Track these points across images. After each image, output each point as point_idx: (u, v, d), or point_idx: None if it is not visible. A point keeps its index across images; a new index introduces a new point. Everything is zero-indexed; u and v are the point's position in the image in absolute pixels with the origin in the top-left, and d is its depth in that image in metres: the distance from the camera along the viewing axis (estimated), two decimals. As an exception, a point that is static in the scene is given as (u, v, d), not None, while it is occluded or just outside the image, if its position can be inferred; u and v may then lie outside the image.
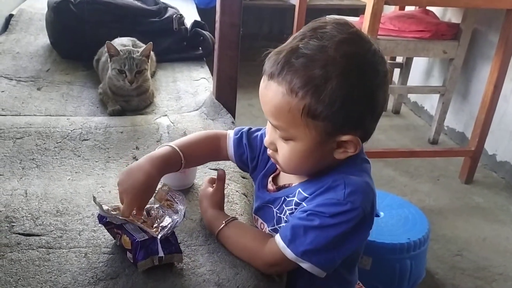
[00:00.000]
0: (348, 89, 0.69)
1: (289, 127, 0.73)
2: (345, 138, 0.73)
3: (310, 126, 0.72)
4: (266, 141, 0.81)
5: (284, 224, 0.83)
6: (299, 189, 0.81)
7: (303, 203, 0.78)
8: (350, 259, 0.82)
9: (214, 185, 0.93)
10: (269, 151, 0.82)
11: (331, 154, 0.76)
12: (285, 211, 0.83)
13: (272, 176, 0.91)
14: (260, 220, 0.92)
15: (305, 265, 0.76)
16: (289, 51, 0.71)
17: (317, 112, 0.70)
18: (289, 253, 0.76)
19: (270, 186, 0.90)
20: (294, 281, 0.86)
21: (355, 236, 0.76)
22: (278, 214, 0.86)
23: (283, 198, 0.85)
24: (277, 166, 0.84)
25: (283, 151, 0.78)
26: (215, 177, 0.94)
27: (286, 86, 0.70)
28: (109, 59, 1.44)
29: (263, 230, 0.90)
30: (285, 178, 0.89)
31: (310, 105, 0.70)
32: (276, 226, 0.86)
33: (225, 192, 0.96)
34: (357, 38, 0.73)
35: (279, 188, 0.88)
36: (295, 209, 0.80)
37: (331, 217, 0.73)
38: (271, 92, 0.72)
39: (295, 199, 0.81)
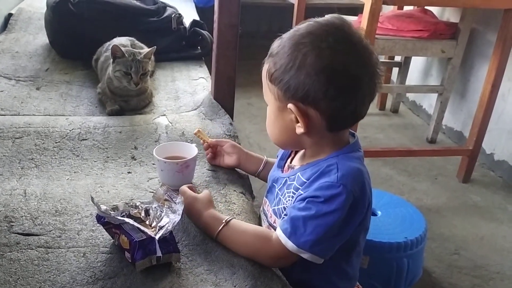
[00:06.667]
0: (296, 60, 0.76)
1: (265, 91, 0.85)
2: (290, 106, 0.79)
3: (271, 90, 0.82)
4: None
5: (282, 207, 0.87)
6: (299, 173, 0.85)
7: (300, 189, 0.82)
8: (346, 247, 0.85)
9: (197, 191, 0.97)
10: None
11: (294, 127, 0.82)
12: (285, 193, 0.87)
13: (290, 158, 0.96)
14: (267, 203, 0.95)
15: (305, 255, 0.80)
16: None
17: (272, 75, 0.79)
18: (290, 245, 0.79)
19: (287, 167, 0.94)
20: (289, 269, 0.88)
21: (350, 221, 0.80)
22: (279, 195, 0.89)
23: (285, 179, 0.89)
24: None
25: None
26: (191, 185, 0.99)
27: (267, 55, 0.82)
28: (112, 61, 1.43)
29: (269, 212, 0.93)
30: (294, 160, 0.94)
31: (270, 69, 0.80)
32: (275, 207, 0.90)
33: (223, 192, 0.96)
34: (333, 26, 0.78)
35: (289, 168, 0.92)
36: (294, 193, 0.84)
37: (326, 202, 0.77)
38: None
39: (295, 183, 0.85)
